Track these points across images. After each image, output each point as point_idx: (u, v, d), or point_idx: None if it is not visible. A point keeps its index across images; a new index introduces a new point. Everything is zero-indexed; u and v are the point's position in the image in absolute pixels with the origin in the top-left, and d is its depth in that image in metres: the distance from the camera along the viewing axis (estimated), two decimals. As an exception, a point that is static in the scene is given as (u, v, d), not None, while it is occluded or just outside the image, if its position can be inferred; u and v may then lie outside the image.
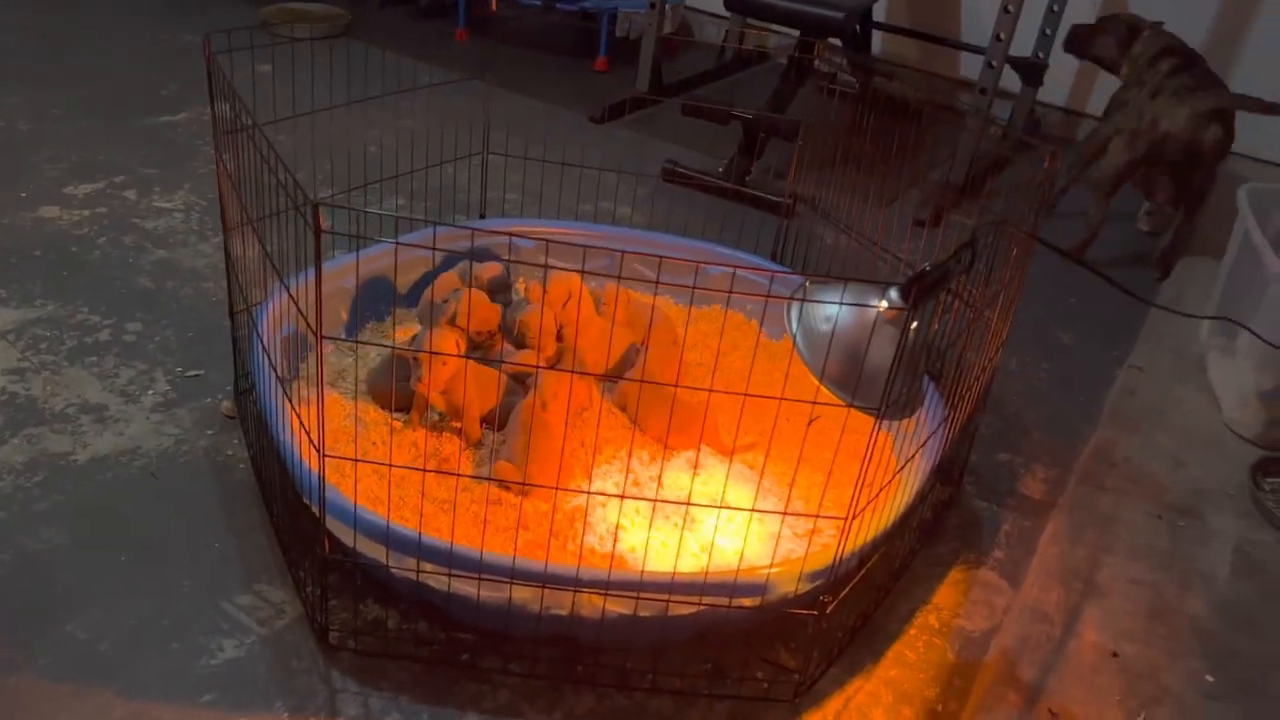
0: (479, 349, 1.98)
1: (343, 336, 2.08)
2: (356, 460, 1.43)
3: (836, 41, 3.50)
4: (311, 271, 1.22)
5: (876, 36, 4.12)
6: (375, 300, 2.16)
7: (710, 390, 1.53)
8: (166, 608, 1.53)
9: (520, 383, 1.94)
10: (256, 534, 1.68)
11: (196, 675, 1.43)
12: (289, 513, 1.63)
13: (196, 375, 2.05)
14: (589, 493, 1.60)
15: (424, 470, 1.55)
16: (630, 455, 1.84)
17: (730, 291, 2.24)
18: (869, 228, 2.37)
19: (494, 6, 4.30)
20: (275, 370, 1.60)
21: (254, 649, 1.48)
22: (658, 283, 1.32)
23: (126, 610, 1.52)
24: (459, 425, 1.86)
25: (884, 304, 1.54)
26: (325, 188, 2.82)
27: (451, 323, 1.93)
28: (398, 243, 1.42)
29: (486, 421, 1.91)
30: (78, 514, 1.68)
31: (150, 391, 1.99)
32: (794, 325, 1.61)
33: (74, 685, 1.39)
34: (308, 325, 1.31)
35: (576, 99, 3.78)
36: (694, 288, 1.46)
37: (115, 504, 1.71)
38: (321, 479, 1.40)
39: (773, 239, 2.51)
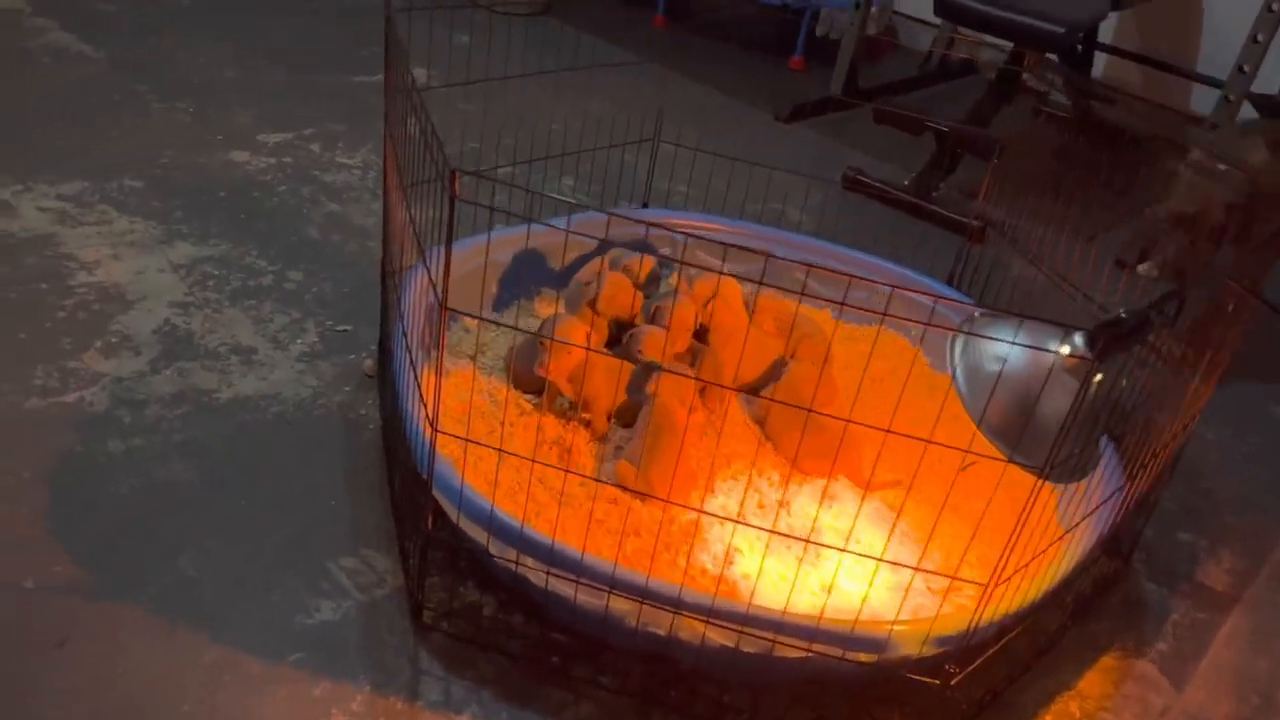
0: (617, 342, 1.91)
1: (478, 313, 2.05)
2: (466, 440, 1.38)
3: (1053, 58, 3.24)
4: (470, 241, 1.17)
5: (1099, 58, 3.80)
6: (528, 277, 2.12)
7: (847, 420, 1.40)
8: (274, 558, 1.53)
9: (645, 376, 1.86)
10: (374, 498, 1.67)
11: (289, 631, 1.42)
12: (406, 482, 1.60)
13: (345, 330, 2.07)
14: (701, 512, 1.49)
15: (532, 461, 1.49)
16: (759, 474, 1.73)
17: (885, 313, 2.07)
18: (1062, 263, 2.15)
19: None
20: (407, 336, 1.58)
21: (349, 614, 1.46)
22: (802, 293, 1.20)
23: (236, 555, 1.52)
24: (588, 416, 1.79)
25: (1065, 350, 1.36)
26: (504, 160, 2.82)
27: (592, 307, 1.86)
28: (530, 224, 1.36)
29: (616, 415, 1.83)
30: (210, 452, 1.71)
31: (299, 340, 2.02)
32: (956, 360, 1.46)
33: (171, 621, 1.40)
34: (435, 296, 1.26)
35: (765, 96, 3.66)
36: (842, 304, 1.33)
37: (246, 447, 1.73)
38: (433, 451, 1.35)
39: (951, 262, 2.32)
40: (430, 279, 1.34)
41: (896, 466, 1.74)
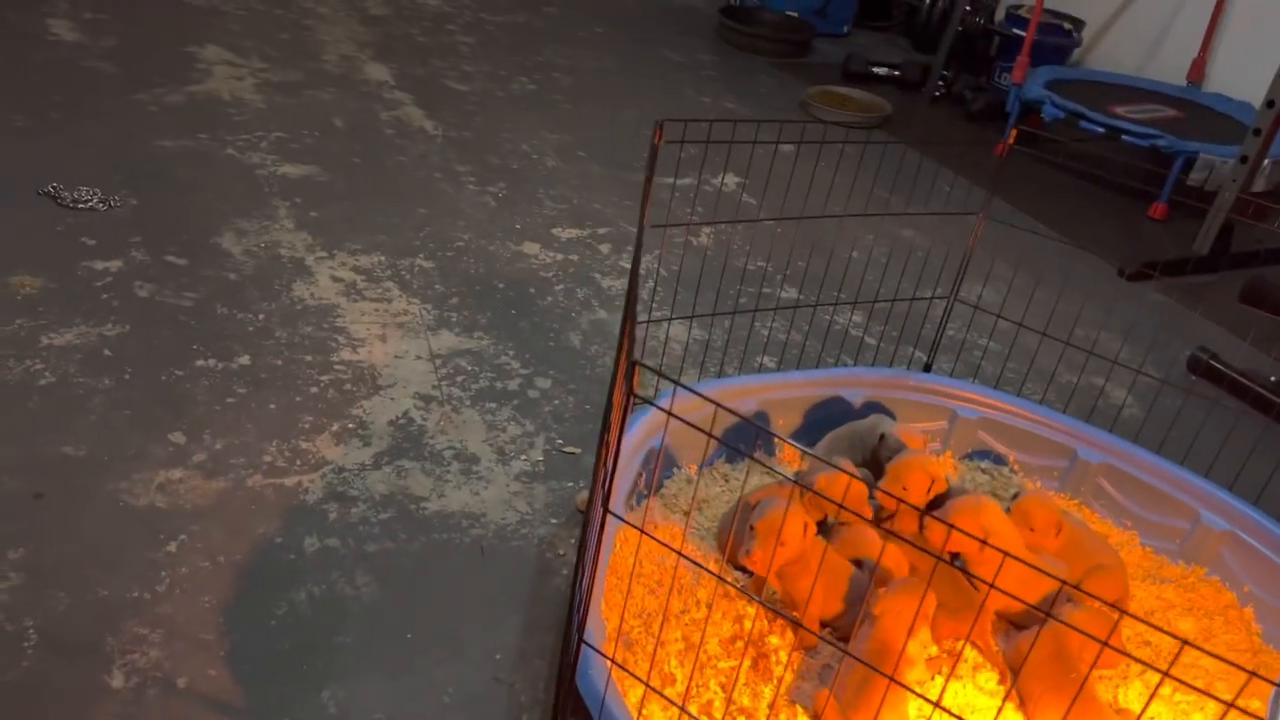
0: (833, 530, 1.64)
1: (701, 460, 1.85)
2: (646, 686, 1.18)
3: None
4: (716, 384, 0.99)
5: None
6: (756, 431, 1.90)
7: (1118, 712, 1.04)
8: (422, 709, 1.41)
9: (865, 573, 1.56)
10: (539, 665, 1.51)
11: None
12: (574, 657, 1.43)
13: (571, 453, 1.96)
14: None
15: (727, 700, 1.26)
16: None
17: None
18: None
19: (1040, 124, 3.83)
20: (605, 486, 1.41)
21: (473, 802, 1.30)
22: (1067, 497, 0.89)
23: (383, 697, 1.42)
24: (797, 614, 1.53)
25: None
26: (791, 286, 2.64)
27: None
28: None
29: (832, 624, 1.56)
30: (396, 570, 1.63)
31: (523, 457, 1.93)
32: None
33: (294, 763, 1.31)
34: (601, 485, 1.08)
35: (1112, 245, 3.20)
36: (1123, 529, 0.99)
37: (433, 572, 1.65)
38: (591, 671, 1.17)
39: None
40: (610, 451, 1.16)
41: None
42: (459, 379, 2.12)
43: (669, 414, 0.95)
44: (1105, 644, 0.93)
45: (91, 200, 2.42)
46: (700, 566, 1.39)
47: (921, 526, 1.56)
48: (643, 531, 1.11)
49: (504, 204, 2.88)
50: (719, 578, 1.36)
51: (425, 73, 3.66)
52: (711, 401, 0.95)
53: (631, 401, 0.95)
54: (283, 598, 1.54)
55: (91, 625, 1.44)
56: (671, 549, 1.07)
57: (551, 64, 3.98)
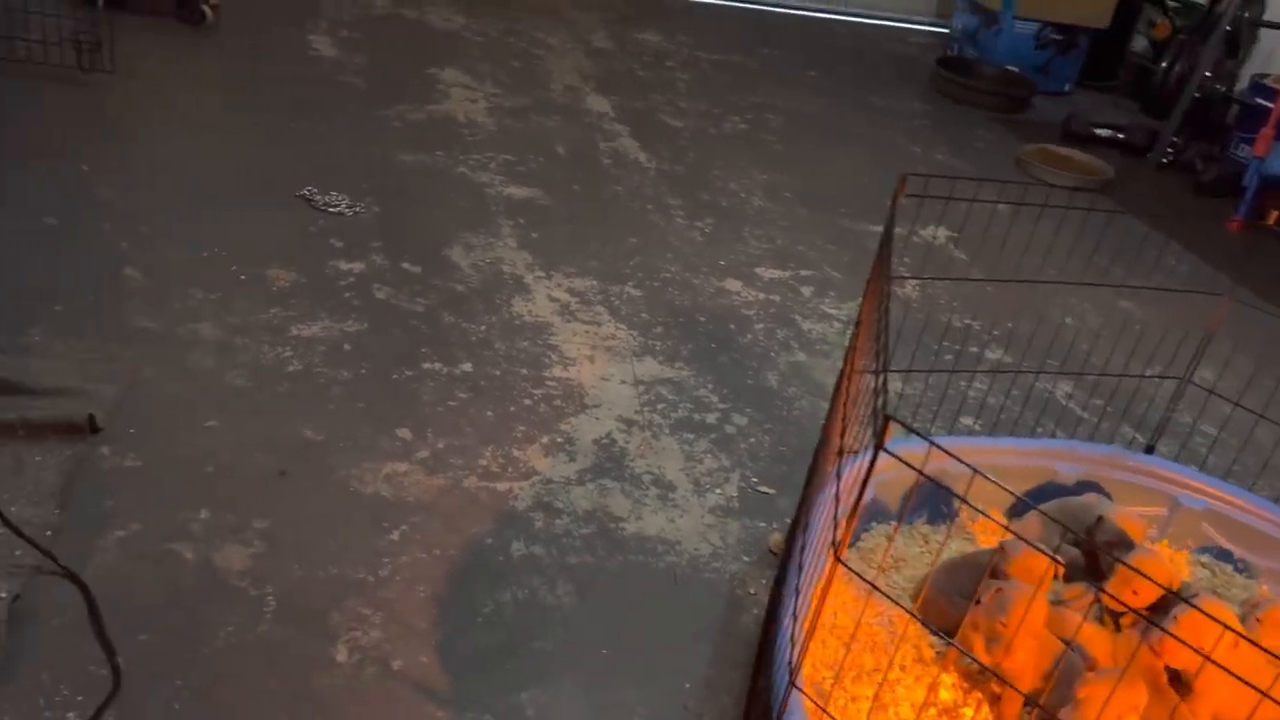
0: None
1: (900, 519, 1.82)
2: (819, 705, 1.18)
3: None
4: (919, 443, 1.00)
5: None
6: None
7: None
8: (609, 725, 1.45)
9: (1076, 655, 1.49)
10: (726, 700, 1.53)
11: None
12: (760, 701, 1.44)
13: (766, 494, 1.97)
14: None
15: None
16: None
17: None
18: None
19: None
20: (836, 534, 1.42)
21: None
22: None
23: (577, 709, 1.47)
24: (999, 692, 1.49)
25: None
26: (995, 348, 2.57)
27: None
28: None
29: (1034, 701, 1.50)
30: (595, 584, 1.69)
31: (718, 490, 1.96)
32: None
33: (493, 758, 1.38)
34: (834, 527, 1.09)
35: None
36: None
37: (629, 590, 1.70)
38: (785, 704, 1.18)
39: None
40: (834, 491, 1.18)
41: None
42: (660, 406, 2.18)
43: (919, 473, 0.96)
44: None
45: (340, 205, 2.63)
46: (924, 624, 1.37)
47: (1145, 633, 1.48)
48: (874, 586, 1.11)
49: (710, 239, 2.94)
50: (951, 642, 1.34)
51: (643, 106, 3.78)
52: (968, 465, 0.95)
53: (878, 454, 0.96)
54: (490, 597, 1.62)
55: (321, 599, 1.56)
56: (904, 607, 1.07)
57: (764, 105, 4.04)
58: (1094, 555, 1.68)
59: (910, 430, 0.93)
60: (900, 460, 1.02)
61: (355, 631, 1.52)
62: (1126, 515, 1.71)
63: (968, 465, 0.95)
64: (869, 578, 1.70)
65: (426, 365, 2.13)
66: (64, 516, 1.60)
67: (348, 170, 2.83)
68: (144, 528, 1.62)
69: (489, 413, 2.04)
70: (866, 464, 0.98)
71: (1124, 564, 1.39)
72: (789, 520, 1.89)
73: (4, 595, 1.44)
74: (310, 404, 1.96)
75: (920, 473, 0.96)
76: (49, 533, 1.55)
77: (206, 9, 3.50)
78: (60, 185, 2.49)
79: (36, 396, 1.79)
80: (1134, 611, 1.33)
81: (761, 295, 2.70)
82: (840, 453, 1.40)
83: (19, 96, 2.83)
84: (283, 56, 3.51)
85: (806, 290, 2.76)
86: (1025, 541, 1.49)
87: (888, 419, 0.94)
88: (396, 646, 1.51)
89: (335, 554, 1.64)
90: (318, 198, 2.64)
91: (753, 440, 2.12)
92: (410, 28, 4.05)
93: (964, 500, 1.51)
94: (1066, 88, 4.88)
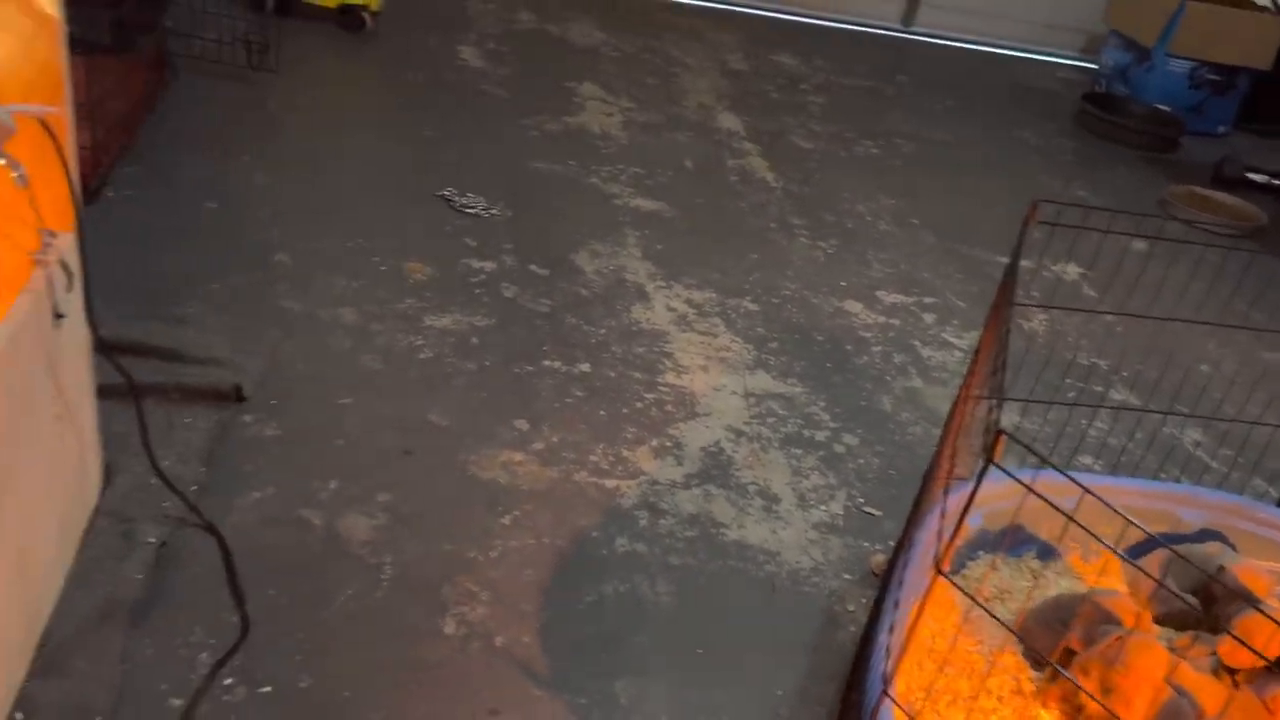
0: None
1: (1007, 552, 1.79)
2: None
3: None
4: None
5: None
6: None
7: None
8: (698, 722, 1.48)
9: (1187, 703, 1.44)
10: (818, 711, 1.54)
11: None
12: (853, 715, 1.44)
13: (871, 514, 1.97)
14: None
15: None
16: None
17: None
18: None
19: None
20: (940, 549, 1.42)
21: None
22: None
23: (668, 704, 1.51)
24: (1099, 731, 1.45)
25: None
26: (1122, 388, 2.50)
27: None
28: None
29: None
30: (694, 586, 1.72)
31: (823, 507, 1.97)
32: None
33: (585, 740, 1.42)
34: (937, 542, 1.10)
35: None
36: None
37: (728, 594, 1.72)
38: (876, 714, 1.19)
39: None
40: (939, 515, 1.18)
41: None
42: (769, 420, 2.20)
43: (1028, 488, 0.96)
44: None
45: (476, 207, 2.75)
46: (1025, 654, 1.36)
47: (1261, 689, 1.43)
48: (978, 604, 1.12)
49: (832, 260, 2.95)
50: (1064, 673, 1.32)
51: (774, 127, 3.81)
52: (1089, 492, 0.94)
53: (987, 470, 0.97)
54: (593, 587, 1.67)
55: (435, 573, 1.64)
56: (1007, 626, 1.07)
57: (897, 131, 4.01)
58: (1210, 605, 1.62)
59: (1023, 446, 0.94)
60: (1010, 475, 1.02)
61: (463, 606, 1.59)
62: (1252, 569, 1.64)
63: (1090, 493, 0.95)
64: (971, 602, 1.69)
65: (546, 363, 2.21)
66: (208, 475, 1.72)
67: (485, 174, 2.94)
68: (278, 491, 1.74)
69: (602, 412, 2.10)
70: (974, 480, 0.99)
71: (1250, 609, 1.34)
72: (892, 543, 1.88)
73: (153, 540, 1.56)
74: (437, 390, 2.05)
75: (1029, 488, 0.96)
76: (194, 488, 1.68)
77: (366, 17, 3.71)
78: (224, 173, 2.68)
79: (189, 364, 1.93)
80: (1261, 658, 1.29)
81: (881, 319, 2.69)
82: (949, 477, 1.40)
83: (194, 90, 3.05)
84: (432, 64, 3.68)
85: (929, 317, 2.74)
86: (1155, 581, 1.45)
87: (999, 433, 0.95)
88: (501, 625, 1.57)
89: (450, 532, 1.72)
90: (456, 199, 2.77)
91: (861, 461, 2.12)
92: (552, 42, 4.18)
93: (1079, 523, 1.49)
94: (1220, 129, 4.69)
